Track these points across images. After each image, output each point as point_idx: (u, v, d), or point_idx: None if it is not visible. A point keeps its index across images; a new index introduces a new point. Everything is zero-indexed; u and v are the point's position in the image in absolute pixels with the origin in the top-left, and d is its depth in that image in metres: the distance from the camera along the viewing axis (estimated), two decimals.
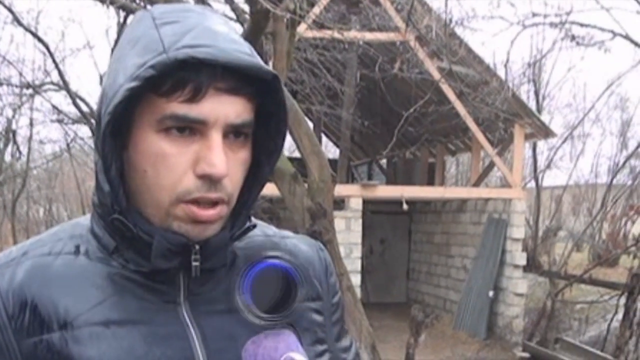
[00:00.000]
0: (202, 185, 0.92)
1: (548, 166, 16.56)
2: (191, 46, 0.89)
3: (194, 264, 0.97)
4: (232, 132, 0.94)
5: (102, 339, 0.94)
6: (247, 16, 5.94)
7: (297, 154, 7.40)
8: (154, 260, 0.95)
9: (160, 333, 0.96)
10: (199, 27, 0.93)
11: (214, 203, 0.94)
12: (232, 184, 0.95)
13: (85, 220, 1.05)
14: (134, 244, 0.97)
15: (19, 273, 0.97)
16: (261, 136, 1.00)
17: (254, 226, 1.04)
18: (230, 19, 7.42)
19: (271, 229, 1.17)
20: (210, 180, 0.92)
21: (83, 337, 0.94)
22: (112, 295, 0.97)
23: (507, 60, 11.23)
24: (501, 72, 11.32)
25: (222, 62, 0.88)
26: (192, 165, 0.92)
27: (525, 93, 16.19)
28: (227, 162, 0.91)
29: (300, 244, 1.16)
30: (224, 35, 0.93)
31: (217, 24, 0.95)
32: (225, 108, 0.91)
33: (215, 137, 0.91)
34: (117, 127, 0.93)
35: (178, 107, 0.90)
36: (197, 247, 0.96)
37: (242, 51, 0.92)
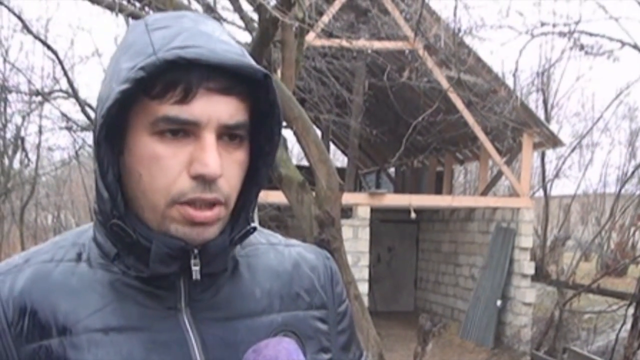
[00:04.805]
0: (197, 186, 0.92)
1: (556, 175, 16.50)
2: (181, 47, 0.89)
3: (194, 268, 0.96)
4: (227, 134, 0.94)
5: (101, 346, 0.94)
6: (255, 25, 5.96)
7: (305, 162, 7.40)
8: (153, 266, 0.95)
9: (160, 340, 0.96)
10: (190, 30, 0.93)
11: (211, 204, 0.93)
12: (229, 185, 0.95)
13: (88, 228, 1.06)
14: (134, 249, 0.97)
15: (20, 280, 0.98)
16: (257, 138, 1.00)
17: (254, 229, 1.03)
18: (239, 27, 7.47)
19: (276, 237, 1.16)
20: (205, 181, 0.92)
21: (81, 343, 0.94)
22: (112, 301, 0.97)
23: (516, 69, 11.22)
24: (510, 81, 11.34)
25: (211, 62, 0.89)
26: (186, 166, 0.92)
27: (534, 102, 16.21)
28: (220, 163, 0.92)
29: (306, 252, 1.16)
30: (214, 36, 0.94)
31: (209, 27, 0.96)
32: (217, 108, 0.91)
33: (209, 137, 0.91)
34: (112, 132, 0.93)
35: (170, 109, 0.90)
36: (195, 251, 0.96)
37: (233, 51, 0.92)
